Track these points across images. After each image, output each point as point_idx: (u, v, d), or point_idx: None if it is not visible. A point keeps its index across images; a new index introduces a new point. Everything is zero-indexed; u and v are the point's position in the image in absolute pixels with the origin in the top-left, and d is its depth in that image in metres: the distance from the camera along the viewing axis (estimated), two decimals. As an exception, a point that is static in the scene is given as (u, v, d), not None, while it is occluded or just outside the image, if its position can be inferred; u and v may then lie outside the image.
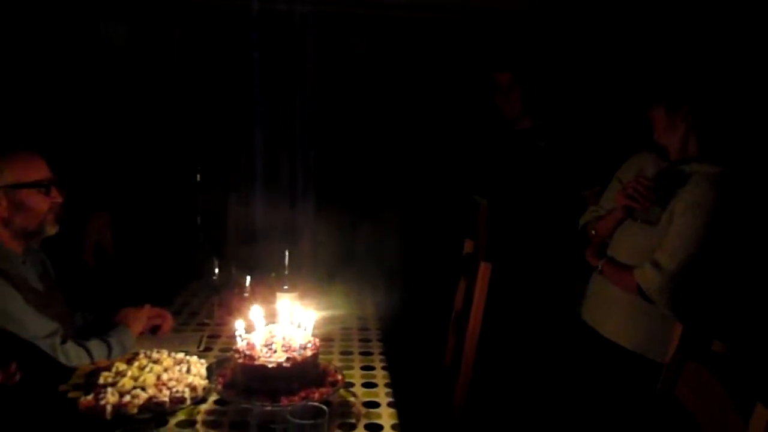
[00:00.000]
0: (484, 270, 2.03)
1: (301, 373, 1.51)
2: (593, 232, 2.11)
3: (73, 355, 1.68)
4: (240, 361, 1.51)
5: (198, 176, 3.44)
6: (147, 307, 2.04)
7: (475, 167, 3.05)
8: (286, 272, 2.08)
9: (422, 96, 3.60)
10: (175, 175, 3.36)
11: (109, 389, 1.45)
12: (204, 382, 1.57)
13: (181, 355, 1.70)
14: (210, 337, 2.09)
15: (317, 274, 2.56)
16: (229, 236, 2.97)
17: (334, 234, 2.79)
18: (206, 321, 2.22)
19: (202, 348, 1.98)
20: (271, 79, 3.38)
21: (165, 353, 1.69)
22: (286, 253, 2.09)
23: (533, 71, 2.71)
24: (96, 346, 1.75)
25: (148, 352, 1.69)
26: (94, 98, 3.15)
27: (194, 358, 1.69)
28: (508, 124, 2.82)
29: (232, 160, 3.40)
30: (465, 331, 2.13)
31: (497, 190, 2.86)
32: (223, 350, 1.95)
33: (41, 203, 1.76)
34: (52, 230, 1.82)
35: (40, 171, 1.77)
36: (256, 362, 1.49)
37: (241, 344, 1.56)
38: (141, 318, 1.99)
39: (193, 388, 1.53)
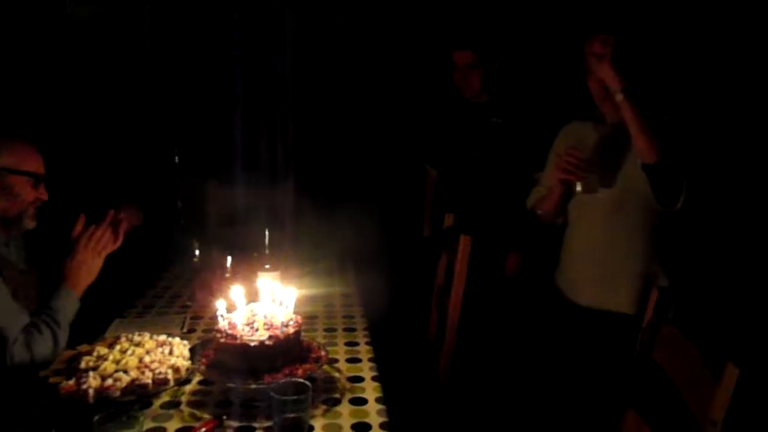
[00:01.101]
0: (464, 243, 2.04)
1: (284, 351, 1.52)
2: (540, 212, 2.17)
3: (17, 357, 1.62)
4: (222, 340, 1.52)
5: (176, 158, 3.41)
6: (91, 229, 1.85)
7: (427, 137, 2.97)
8: (267, 252, 2.07)
9: (398, 72, 3.55)
10: (153, 158, 3.32)
11: (91, 373, 1.44)
12: (187, 363, 1.57)
13: (163, 337, 1.69)
14: (193, 318, 2.08)
15: (299, 254, 2.56)
16: (210, 218, 2.95)
17: (315, 214, 2.78)
18: (189, 303, 2.22)
19: (185, 330, 1.98)
20: (250, 58, 3.33)
21: (147, 336, 1.69)
22: (266, 234, 2.08)
23: (496, 49, 2.61)
24: (41, 342, 1.65)
25: (130, 336, 1.69)
26: (66, 82, 3.08)
27: (177, 340, 1.69)
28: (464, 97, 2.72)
29: (211, 142, 3.36)
30: (447, 305, 2.15)
31: (448, 162, 2.81)
32: (206, 331, 1.95)
33: (28, 194, 1.78)
34: (30, 224, 1.82)
35: (35, 164, 1.80)
36: (238, 341, 1.49)
37: (222, 324, 1.56)
38: (88, 262, 1.82)
39: (176, 370, 1.52)
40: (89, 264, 1.83)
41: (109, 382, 1.42)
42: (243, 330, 1.53)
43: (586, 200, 1.98)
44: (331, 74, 3.40)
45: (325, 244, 2.71)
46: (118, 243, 1.91)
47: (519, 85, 2.91)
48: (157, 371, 1.49)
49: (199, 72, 3.37)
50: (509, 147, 2.59)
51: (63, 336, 1.72)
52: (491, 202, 2.65)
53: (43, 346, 1.65)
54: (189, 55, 3.34)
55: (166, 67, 3.34)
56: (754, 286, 2.39)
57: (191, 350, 1.67)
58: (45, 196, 1.82)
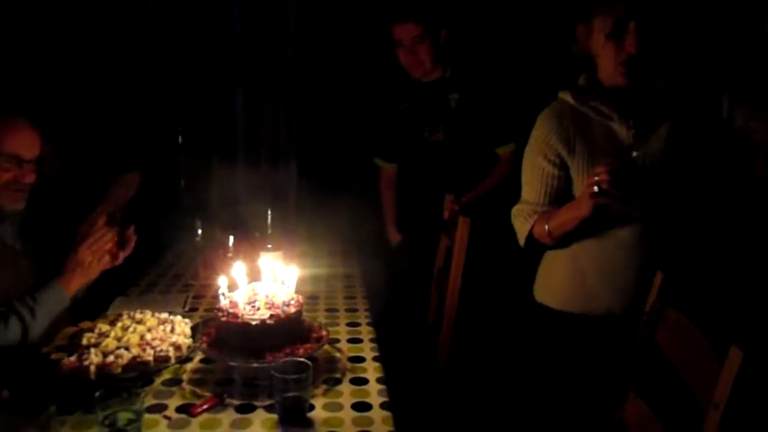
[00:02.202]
0: (462, 225, 2.03)
1: (285, 330, 1.51)
2: (546, 228, 1.63)
3: None
4: (224, 319, 1.51)
5: (180, 138, 3.39)
6: (100, 231, 1.74)
7: (377, 127, 2.69)
8: (269, 232, 2.06)
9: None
10: (156, 137, 3.30)
11: (92, 350, 1.44)
12: (188, 341, 1.57)
13: (164, 315, 1.70)
14: (195, 297, 2.09)
15: (301, 235, 2.55)
16: (213, 198, 2.94)
17: (317, 196, 2.77)
18: (191, 282, 2.22)
19: (187, 308, 1.98)
20: (253, 38, 3.28)
21: (148, 313, 1.69)
22: (269, 213, 2.07)
23: (441, 15, 2.35)
24: (7, 328, 1.58)
25: (132, 313, 1.69)
26: (68, 60, 3.05)
27: (178, 318, 1.69)
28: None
29: (214, 122, 3.34)
30: (446, 288, 2.14)
31: (407, 153, 2.59)
32: (208, 310, 1.96)
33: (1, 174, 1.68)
34: (10, 205, 1.74)
35: (14, 145, 1.70)
36: (240, 320, 1.49)
37: (224, 302, 1.56)
38: (86, 264, 1.72)
39: (177, 347, 1.52)
40: (87, 265, 1.72)
41: (111, 358, 1.42)
42: (244, 309, 1.53)
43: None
44: (333, 56, 3.34)
45: (327, 226, 2.70)
46: (122, 258, 1.83)
47: (472, 53, 2.70)
48: (158, 348, 1.49)
49: (201, 51, 3.33)
50: (473, 124, 2.40)
51: (36, 329, 1.61)
52: (467, 187, 2.44)
53: (8, 333, 1.57)
54: (191, 35, 3.30)
55: (169, 46, 3.31)
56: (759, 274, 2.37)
57: (193, 328, 1.67)
58: (28, 179, 1.72)
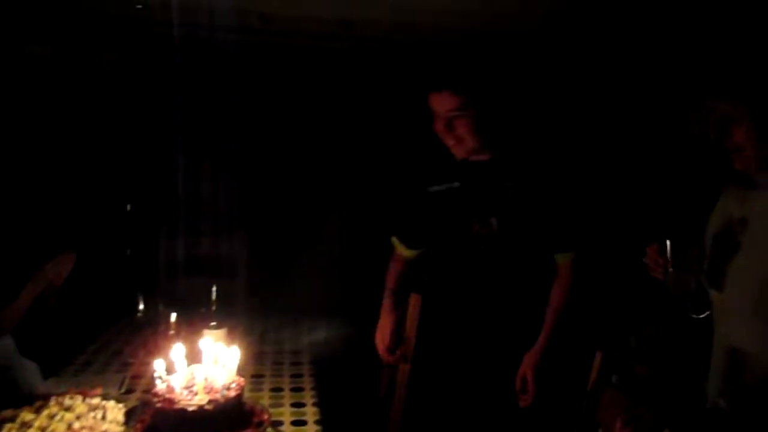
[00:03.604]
0: (414, 302, 2.03)
1: (224, 415, 1.46)
2: None
3: None
4: (159, 405, 1.45)
5: (128, 207, 3.34)
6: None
7: (405, 207, 2.24)
8: (214, 308, 2.02)
9: (354, 122, 3.51)
10: (103, 206, 3.25)
11: None
12: (120, 429, 1.50)
13: (96, 401, 1.61)
14: (133, 377, 2.00)
15: (251, 308, 2.51)
16: (160, 270, 2.88)
17: (268, 267, 2.74)
18: (130, 360, 2.13)
19: (123, 390, 1.89)
20: (198, 107, 3.31)
21: (79, 399, 1.60)
22: (213, 289, 2.03)
23: (489, 86, 1.98)
24: None
25: (60, 398, 1.60)
26: (18, 125, 3.02)
27: (111, 403, 1.60)
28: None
29: (164, 192, 3.31)
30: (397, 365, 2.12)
31: (438, 239, 2.13)
32: (146, 392, 1.86)
33: None
34: None
35: None
36: (176, 406, 1.43)
37: (160, 387, 1.50)
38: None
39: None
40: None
41: None
42: (181, 393, 1.47)
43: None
44: (291, 123, 3.40)
45: (278, 299, 2.67)
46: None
47: (530, 138, 2.34)
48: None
49: (153, 120, 3.35)
50: (533, 219, 1.96)
51: None
52: (504, 293, 2.02)
53: None
54: (135, 101, 3.31)
55: (121, 116, 3.32)
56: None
57: (128, 413, 1.59)
58: None
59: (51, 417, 1.48)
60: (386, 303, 2.20)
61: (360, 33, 3.16)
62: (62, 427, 1.44)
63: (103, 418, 1.52)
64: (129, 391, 1.89)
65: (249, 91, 3.34)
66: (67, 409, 1.54)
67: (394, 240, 2.27)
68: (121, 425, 1.52)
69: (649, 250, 1.49)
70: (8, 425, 1.43)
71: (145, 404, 1.64)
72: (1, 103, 2.97)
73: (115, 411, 1.57)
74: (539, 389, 1.89)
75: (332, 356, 2.36)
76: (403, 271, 2.25)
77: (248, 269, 2.81)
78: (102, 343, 2.35)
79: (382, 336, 2.17)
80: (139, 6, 2.67)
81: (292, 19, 3.01)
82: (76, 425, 1.46)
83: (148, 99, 3.29)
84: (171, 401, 1.45)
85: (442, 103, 1.92)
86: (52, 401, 1.58)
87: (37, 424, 1.44)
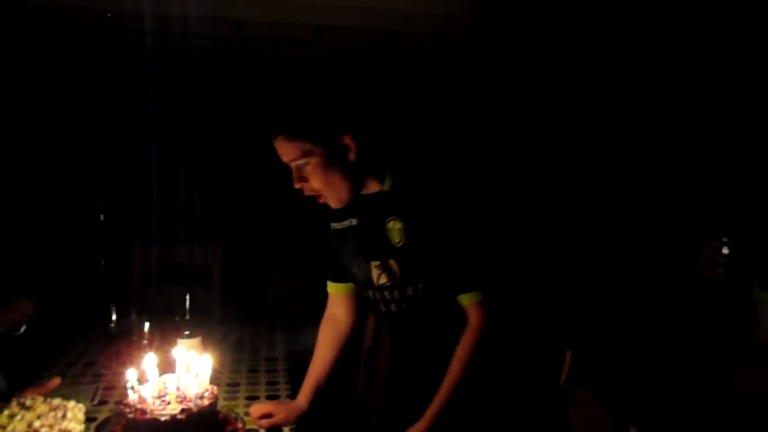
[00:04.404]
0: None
1: (197, 425, 1.45)
2: None
3: None
4: (131, 415, 1.44)
5: (101, 216, 3.30)
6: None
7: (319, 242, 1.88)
8: (187, 317, 2.01)
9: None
10: (77, 216, 3.21)
11: None
12: (81, 427, 1.51)
13: (57, 401, 1.61)
14: (106, 389, 1.97)
15: (225, 316, 2.49)
16: (133, 280, 2.84)
17: (244, 274, 2.73)
18: (103, 371, 2.11)
19: (96, 402, 1.87)
20: (173, 117, 3.30)
21: (40, 399, 1.59)
22: (187, 297, 2.02)
23: (336, 119, 1.55)
24: None
25: (21, 399, 1.59)
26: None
27: (72, 403, 1.60)
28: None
29: (138, 200, 3.28)
30: (375, 370, 2.13)
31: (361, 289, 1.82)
32: (119, 403, 1.84)
33: None
34: None
35: None
36: (148, 416, 1.42)
37: (132, 397, 1.49)
38: None
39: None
40: None
41: None
42: (154, 404, 1.46)
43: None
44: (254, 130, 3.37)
45: (253, 305, 2.66)
46: None
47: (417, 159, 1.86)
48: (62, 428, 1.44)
49: (127, 128, 3.32)
50: (425, 263, 1.63)
51: None
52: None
53: None
54: (107, 112, 3.28)
55: (94, 124, 3.28)
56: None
57: (100, 425, 1.58)
58: None
59: (11, 417, 1.49)
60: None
61: (332, 40, 3.19)
62: (23, 426, 1.44)
63: (64, 416, 1.53)
64: (102, 402, 1.86)
65: (222, 99, 3.34)
66: (28, 408, 1.54)
67: (328, 282, 1.96)
68: (82, 424, 1.53)
69: (706, 248, 1.47)
70: None
71: (118, 415, 1.63)
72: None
73: (76, 410, 1.57)
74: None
75: (308, 363, 2.35)
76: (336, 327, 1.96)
77: (223, 277, 2.79)
78: (74, 354, 2.31)
79: None
80: (110, 15, 2.65)
81: (266, 25, 3.02)
82: (37, 423, 1.46)
83: (121, 108, 3.26)
84: (143, 411, 1.43)
85: (282, 152, 1.56)
86: (13, 401, 1.57)
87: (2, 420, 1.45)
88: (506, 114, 3.46)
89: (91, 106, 3.28)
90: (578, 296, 3.01)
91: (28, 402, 1.57)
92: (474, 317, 1.61)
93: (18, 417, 1.47)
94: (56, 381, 1.74)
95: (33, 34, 3.09)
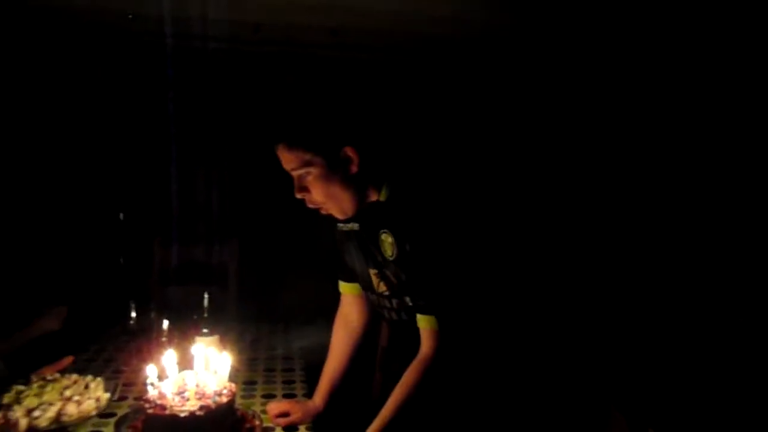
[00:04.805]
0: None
1: (216, 422, 1.47)
2: None
3: None
4: (150, 411, 1.46)
5: (121, 216, 3.35)
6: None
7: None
8: (205, 315, 2.03)
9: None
10: (97, 214, 3.26)
11: (15, 406, 1.51)
12: (106, 395, 1.68)
13: (75, 376, 1.76)
14: (125, 385, 2.00)
15: (243, 315, 2.52)
16: (153, 278, 2.88)
17: (260, 273, 2.76)
18: (122, 368, 2.14)
19: (116, 397, 1.89)
20: (193, 117, 3.34)
21: (58, 375, 1.76)
22: (206, 296, 2.05)
23: (333, 129, 1.52)
24: None
25: (42, 375, 1.75)
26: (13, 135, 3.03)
27: (89, 377, 1.77)
28: None
29: (157, 200, 3.32)
30: (390, 370, 2.12)
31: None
32: (138, 399, 1.87)
33: None
34: None
35: None
36: (168, 412, 1.44)
37: (152, 393, 1.51)
38: None
39: (97, 399, 1.64)
40: None
41: (37, 413, 1.49)
42: (173, 400, 1.48)
43: None
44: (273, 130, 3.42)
45: (269, 304, 2.68)
46: None
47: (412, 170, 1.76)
48: (80, 402, 1.58)
49: (147, 127, 3.37)
50: (412, 280, 1.56)
51: None
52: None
53: None
54: (128, 111, 3.33)
55: (114, 124, 3.33)
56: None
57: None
58: None
59: (41, 387, 1.63)
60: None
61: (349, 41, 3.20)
62: (55, 395, 1.58)
63: (86, 388, 1.68)
64: (121, 398, 1.89)
65: (239, 99, 3.37)
66: (53, 381, 1.68)
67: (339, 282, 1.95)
68: (105, 393, 1.69)
69: None
70: (7, 394, 1.57)
71: (137, 411, 1.65)
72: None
73: (96, 383, 1.72)
74: None
75: (324, 362, 2.36)
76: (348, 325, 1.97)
77: (240, 276, 2.82)
78: (94, 350, 2.35)
79: None
80: (131, 17, 2.69)
81: (283, 27, 3.04)
82: (68, 392, 1.60)
83: (141, 108, 3.31)
84: (162, 407, 1.46)
85: (283, 160, 1.55)
86: (33, 378, 1.71)
87: (31, 392, 1.58)
88: (518, 121, 3.45)
89: (112, 107, 3.33)
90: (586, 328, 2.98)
91: (48, 377, 1.72)
92: (426, 344, 1.53)
93: (48, 387, 1.62)
94: (69, 359, 1.89)
95: (56, 36, 3.15)
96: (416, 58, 3.40)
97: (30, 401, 1.56)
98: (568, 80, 3.34)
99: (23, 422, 1.47)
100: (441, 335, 1.51)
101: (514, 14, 2.81)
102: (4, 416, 1.48)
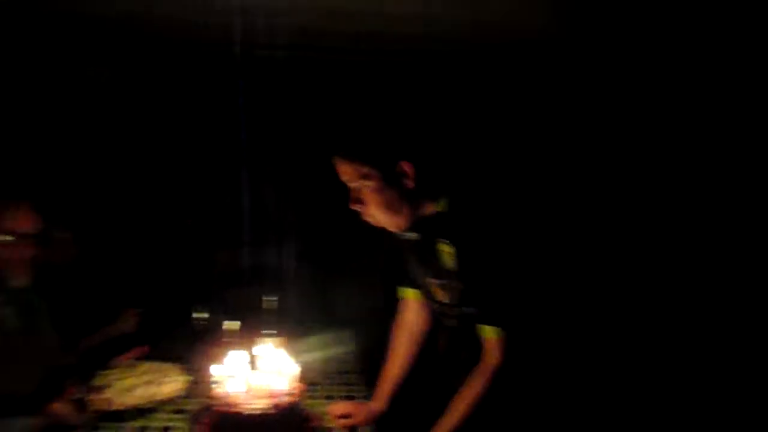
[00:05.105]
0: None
1: (284, 420, 1.51)
2: None
3: None
4: (220, 408, 1.51)
5: (189, 221, 3.46)
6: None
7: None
8: (271, 316, 2.08)
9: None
10: (165, 219, 3.38)
11: (107, 387, 1.75)
12: (185, 378, 1.93)
13: (152, 363, 1.99)
14: (194, 382, 2.07)
15: (303, 318, 2.55)
16: (217, 281, 2.97)
17: (319, 277, 2.79)
18: (191, 367, 2.21)
19: (185, 395, 1.96)
20: (257, 124, 3.42)
21: (136, 361, 2.02)
22: (272, 298, 2.10)
23: (393, 145, 1.56)
24: None
25: (123, 363, 1.99)
26: (80, 146, 3.19)
27: (167, 365, 1.99)
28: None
29: (222, 206, 3.42)
30: (448, 378, 2.11)
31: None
32: (207, 396, 1.93)
33: (3, 253, 1.76)
34: (16, 281, 1.81)
35: (15, 222, 1.77)
36: (237, 409, 1.49)
37: (220, 391, 1.56)
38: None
39: (177, 382, 1.89)
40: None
41: (132, 392, 1.75)
42: (242, 398, 1.53)
43: None
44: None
45: (328, 308, 2.71)
46: None
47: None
48: (161, 383, 1.83)
49: (213, 135, 3.47)
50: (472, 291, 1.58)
51: None
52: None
53: None
54: (196, 120, 3.44)
55: (182, 131, 3.45)
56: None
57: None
58: (28, 255, 1.79)
59: (123, 372, 1.86)
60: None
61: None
62: (142, 379, 1.79)
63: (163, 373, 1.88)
64: (190, 396, 1.96)
65: (301, 105, 3.43)
66: (134, 367, 1.91)
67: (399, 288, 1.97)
68: (184, 379, 1.89)
69: None
70: (99, 378, 1.81)
71: (206, 408, 1.71)
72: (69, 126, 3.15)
73: (173, 370, 1.93)
74: None
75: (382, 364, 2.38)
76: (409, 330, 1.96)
77: (302, 278, 2.87)
78: (163, 349, 2.44)
79: None
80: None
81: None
82: (146, 378, 1.81)
83: (206, 118, 3.42)
84: (232, 405, 1.50)
85: (340, 172, 1.58)
86: (115, 365, 1.95)
87: (119, 376, 1.80)
88: (568, 129, 3.36)
89: (180, 117, 3.45)
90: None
91: (127, 363, 1.96)
92: (490, 355, 1.54)
93: (129, 372, 1.85)
94: (144, 348, 2.12)
95: (122, 46, 3.28)
96: (471, 68, 3.37)
97: (123, 383, 1.79)
98: (618, 85, 3.25)
99: (115, 401, 1.71)
100: (506, 345, 1.53)
101: (561, 19, 2.75)
102: (99, 396, 1.70)
